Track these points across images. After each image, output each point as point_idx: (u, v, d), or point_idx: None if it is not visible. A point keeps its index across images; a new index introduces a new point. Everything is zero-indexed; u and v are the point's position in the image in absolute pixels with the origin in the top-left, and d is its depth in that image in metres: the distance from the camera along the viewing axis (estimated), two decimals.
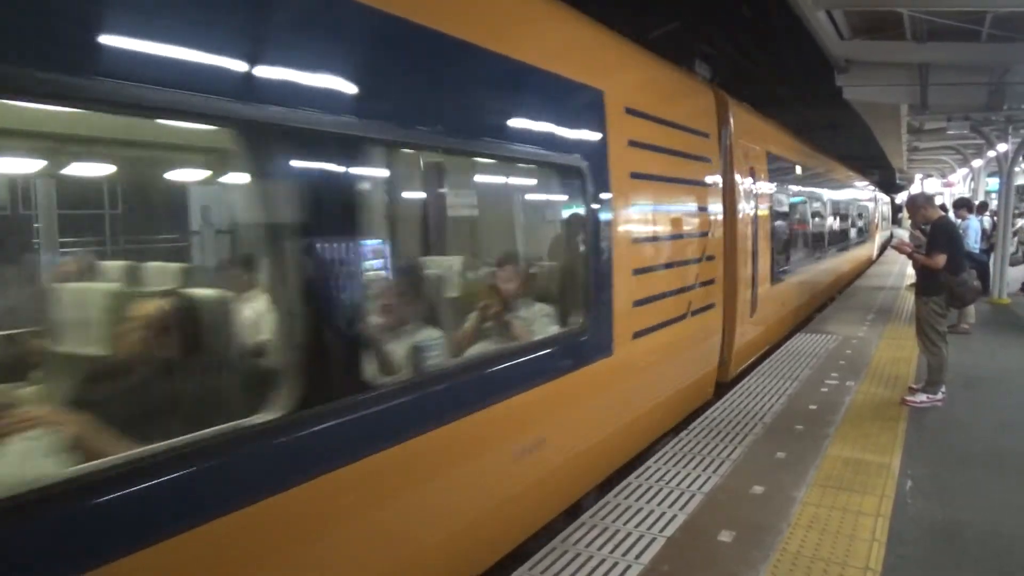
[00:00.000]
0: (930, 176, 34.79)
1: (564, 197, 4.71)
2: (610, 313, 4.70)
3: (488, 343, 4.08)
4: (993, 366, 8.12)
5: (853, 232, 20.00)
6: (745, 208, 7.94)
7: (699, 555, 3.74)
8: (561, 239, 5.05)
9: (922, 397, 6.51)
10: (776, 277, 9.62)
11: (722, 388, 7.26)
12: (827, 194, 15.51)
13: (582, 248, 4.47)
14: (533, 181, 5.29)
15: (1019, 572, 3.67)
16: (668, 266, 5.80)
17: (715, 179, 7.03)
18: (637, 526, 4.05)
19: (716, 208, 7.00)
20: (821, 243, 14.41)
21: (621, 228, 4.89)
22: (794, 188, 11.72)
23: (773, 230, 9.54)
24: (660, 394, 5.75)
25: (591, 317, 4.46)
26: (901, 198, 39.69)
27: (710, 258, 6.71)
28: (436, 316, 4.00)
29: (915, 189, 33.34)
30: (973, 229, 11.68)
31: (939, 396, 6.53)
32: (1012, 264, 13.95)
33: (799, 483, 4.68)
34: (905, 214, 22.00)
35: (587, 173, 4.36)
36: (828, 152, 16.84)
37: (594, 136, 4.62)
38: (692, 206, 6.41)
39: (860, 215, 22.14)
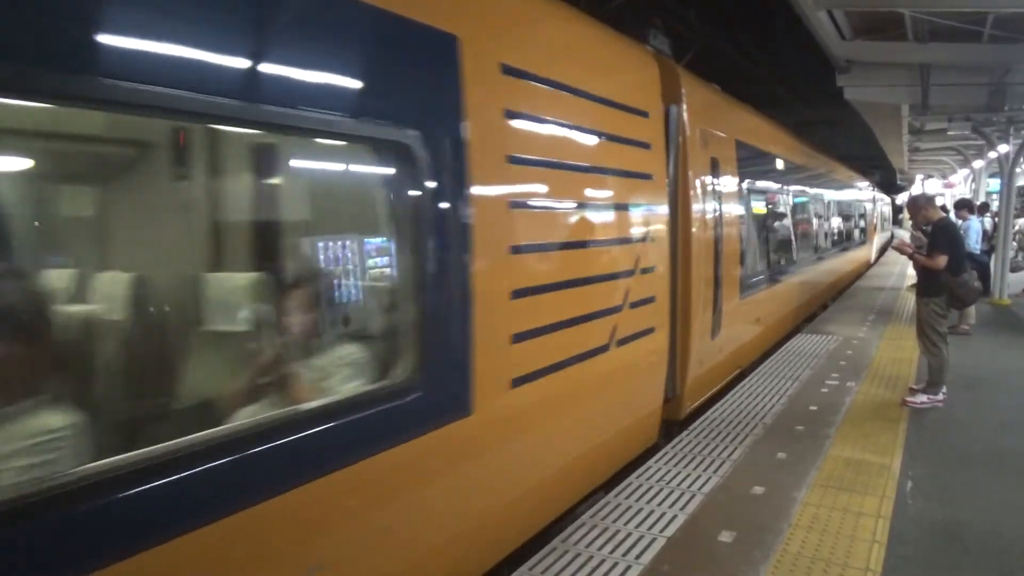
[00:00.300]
0: (931, 177, 34.83)
1: (385, 188, 3.13)
2: (467, 354, 3.24)
3: (231, 413, 2.79)
4: (994, 367, 8.12)
5: (848, 234, 17.96)
6: (704, 208, 6.37)
7: (699, 555, 3.74)
8: (381, 249, 3.46)
9: (923, 398, 6.51)
10: (748, 290, 8.06)
11: (674, 427, 6.05)
12: (817, 193, 13.84)
13: (415, 262, 3.00)
14: (331, 164, 3.65)
15: (1019, 572, 3.67)
16: (575, 283, 4.21)
17: (657, 170, 5.42)
18: (637, 526, 4.05)
19: (659, 207, 5.44)
20: (809, 247, 12.59)
21: (490, 233, 3.40)
22: (775, 185, 10.10)
23: (745, 234, 8.04)
24: (563, 456, 4.27)
25: (429, 363, 3.01)
26: (902, 199, 39.75)
27: (648, 271, 5.15)
28: (92, 382, 2.70)
29: (916, 190, 33.38)
30: (974, 230, 11.68)
31: (940, 397, 6.53)
32: (1013, 271, 13.93)
33: (799, 483, 4.68)
34: (906, 215, 21.87)
35: (424, 154, 2.97)
36: (819, 147, 15.33)
37: (439, 101, 3.18)
38: (618, 204, 4.81)
39: (856, 216, 20.09)
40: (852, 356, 8.64)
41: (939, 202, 10.18)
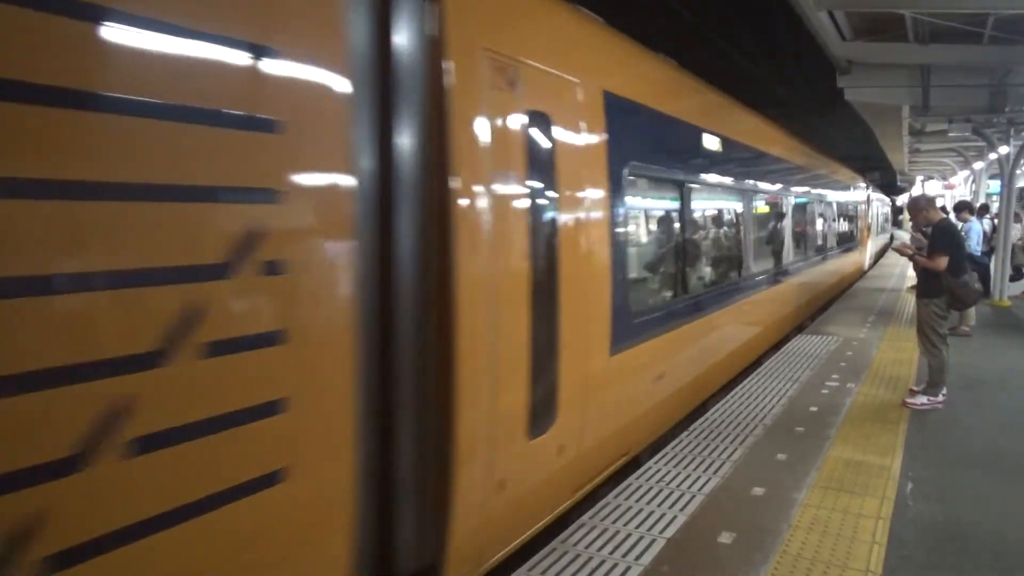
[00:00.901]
0: (931, 178, 34.85)
1: None
2: None
3: None
4: (994, 368, 8.11)
5: (832, 240, 14.78)
6: (504, 203, 3.49)
7: (699, 556, 3.73)
8: None
9: (923, 399, 6.51)
10: (637, 335, 5.08)
11: None
12: (787, 189, 10.70)
13: None
14: None
15: (1020, 573, 3.67)
16: None
17: (299, 111, 2.48)
18: (637, 527, 4.04)
19: (313, 199, 2.56)
20: (768, 258, 9.60)
21: None
22: (704, 175, 7.01)
23: (627, 247, 5.02)
24: None
25: None
26: (902, 200, 39.80)
27: (247, 345, 2.29)
28: None
29: (916, 191, 33.42)
30: (975, 232, 11.68)
31: (940, 398, 6.52)
32: (1012, 280, 13.91)
33: (800, 485, 4.67)
34: (906, 216, 21.73)
35: None
36: (798, 135, 12.28)
37: None
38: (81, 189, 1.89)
39: (846, 218, 16.97)
40: (852, 357, 8.63)
41: (939, 203, 10.16)
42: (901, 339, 9.67)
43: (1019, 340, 10.01)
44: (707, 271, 7.42)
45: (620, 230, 4.82)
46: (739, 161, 8.33)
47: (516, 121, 3.60)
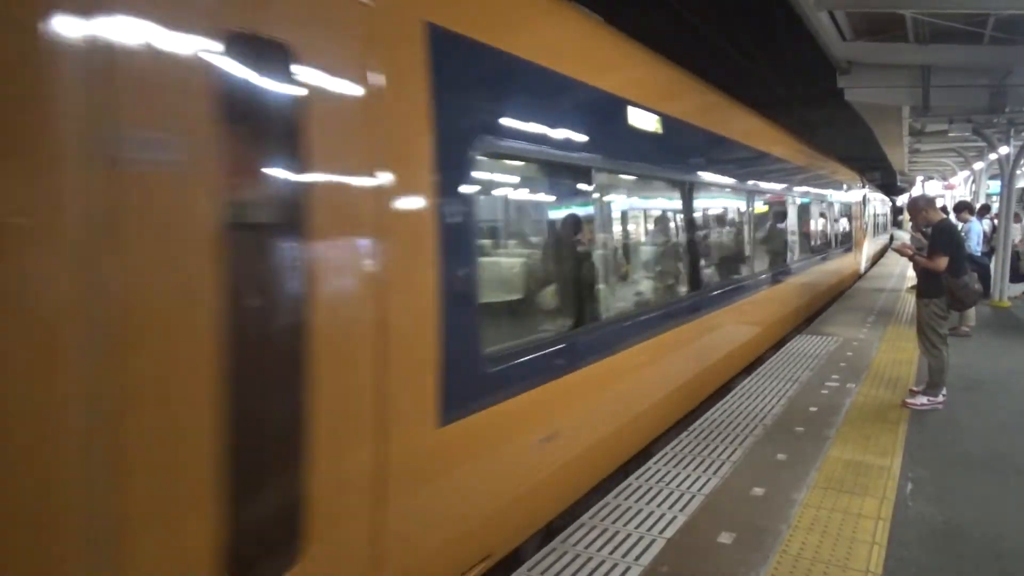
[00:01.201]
0: (931, 178, 34.86)
1: None
2: None
3: None
4: (994, 368, 8.10)
5: (814, 244, 13.03)
6: (135, 178, 1.90)
7: (699, 557, 3.73)
8: None
9: (923, 399, 6.51)
10: (487, 391, 3.39)
11: None
12: (748, 183, 8.65)
13: None
14: None
15: (1020, 574, 3.66)
16: None
17: None
18: (637, 527, 4.04)
19: None
20: (722, 270, 7.85)
21: None
22: (615, 158, 5.03)
23: (478, 261, 3.40)
24: None
25: None
26: (902, 200, 39.83)
27: None
28: None
29: (916, 191, 33.45)
30: (975, 232, 11.68)
31: (940, 398, 6.52)
32: (1013, 281, 13.91)
33: (799, 485, 4.67)
34: (906, 216, 21.66)
35: None
36: (782, 125, 10.88)
37: None
38: None
39: (833, 220, 15.23)
40: (852, 357, 8.63)
41: (939, 203, 10.13)
42: (901, 339, 9.67)
43: (1019, 341, 10.01)
44: (626, 290, 5.67)
45: (461, 237, 3.22)
46: (676, 144, 6.26)
47: (192, 47, 2.07)
